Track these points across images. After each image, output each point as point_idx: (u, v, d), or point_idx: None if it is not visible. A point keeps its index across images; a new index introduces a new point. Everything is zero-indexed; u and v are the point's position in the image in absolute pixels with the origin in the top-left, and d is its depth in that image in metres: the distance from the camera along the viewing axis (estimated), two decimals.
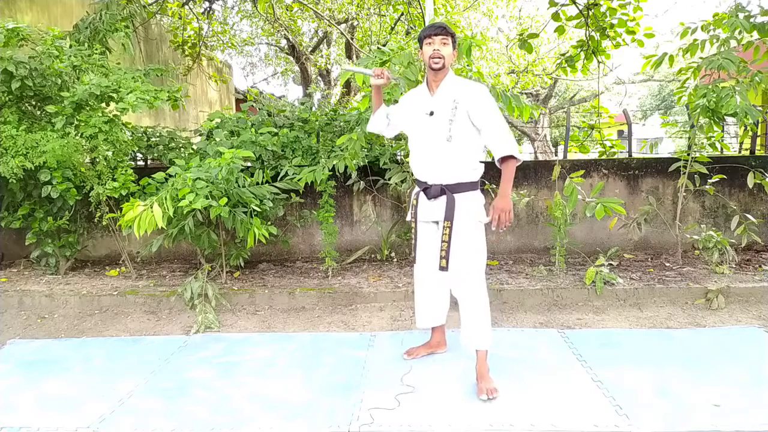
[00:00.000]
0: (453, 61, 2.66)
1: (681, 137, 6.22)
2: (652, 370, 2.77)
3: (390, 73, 2.77)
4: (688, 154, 4.52)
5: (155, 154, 4.84)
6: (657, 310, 3.75)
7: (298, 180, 4.17)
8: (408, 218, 2.89)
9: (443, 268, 2.63)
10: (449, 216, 2.59)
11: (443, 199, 2.62)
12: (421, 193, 2.72)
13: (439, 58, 2.54)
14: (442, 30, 2.56)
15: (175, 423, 2.40)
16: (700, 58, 4.27)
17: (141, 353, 3.22)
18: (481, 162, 2.69)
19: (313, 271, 4.67)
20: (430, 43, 2.56)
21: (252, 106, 5.16)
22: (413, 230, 2.84)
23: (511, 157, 2.51)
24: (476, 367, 2.66)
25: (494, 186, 4.92)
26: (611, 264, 4.51)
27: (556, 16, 5.07)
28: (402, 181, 4.47)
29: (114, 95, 4.06)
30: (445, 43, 2.55)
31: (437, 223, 2.70)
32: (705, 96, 4.03)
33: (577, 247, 4.64)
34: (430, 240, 2.75)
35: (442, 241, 2.61)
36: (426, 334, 3.13)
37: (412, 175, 4.36)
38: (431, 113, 2.61)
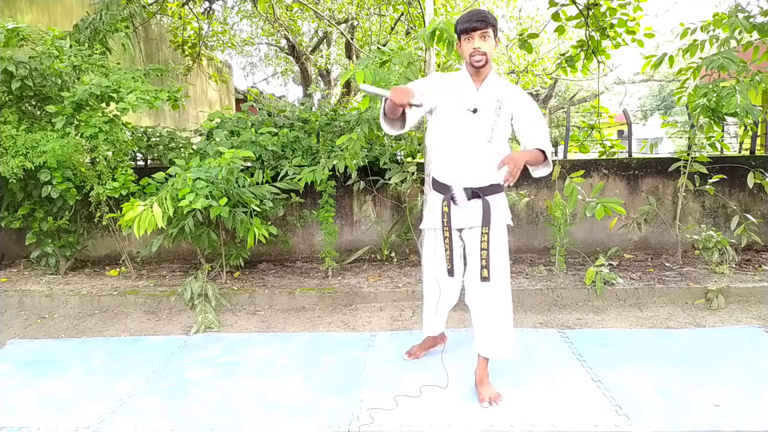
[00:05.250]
0: (495, 53, 2.43)
1: (681, 137, 6.22)
2: (652, 370, 2.77)
3: (414, 98, 2.18)
4: (688, 154, 4.52)
5: (155, 154, 4.84)
6: (657, 310, 3.75)
7: (298, 180, 4.17)
8: (429, 225, 2.60)
9: (485, 279, 2.42)
10: (487, 221, 2.39)
11: (474, 203, 2.43)
12: (444, 198, 2.47)
13: (481, 55, 2.28)
14: (481, 23, 2.26)
15: (175, 423, 2.40)
16: (700, 58, 4.27)
17: (141, 353, 3.22)
18: None
19: (313, 271, 4.67)
20: (468, 40, 2.30)
21: (252, 106, 5.16)
22: (436, 239, 2.57)
23: (545, 156, 2.36)
24: (476, 371, 2.59)
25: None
26: (611, 264, 4.51)
27: (556, 16, 5.07)
28: (402, 181, 4.47)
29: (114, 95, 4.06)
30: (485, 37, 2.28)
31: (458, 230, 2.53)
32: (705, 96, 4.03)
33: (577, 247, 4.64)
34: (455, 248, 2.53)
35: (482, 249, 2.40)
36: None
37: (413, 174, 4.41)
38: (475, 111, 2.36)
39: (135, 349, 3.29)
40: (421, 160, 4.58)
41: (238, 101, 12.51)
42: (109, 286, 4.36)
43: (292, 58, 13.34)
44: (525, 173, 5.00)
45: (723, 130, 5.03)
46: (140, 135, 4.75)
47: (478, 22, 2.26)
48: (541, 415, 2.37)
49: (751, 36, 4.22)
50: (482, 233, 2.40)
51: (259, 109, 5.06)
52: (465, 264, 2.58)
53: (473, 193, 2.42)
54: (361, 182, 4.68)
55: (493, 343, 2.52)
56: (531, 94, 13.30)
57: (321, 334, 3.47)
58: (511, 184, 2.15)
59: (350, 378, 2.79)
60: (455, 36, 2.43)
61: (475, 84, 2.40)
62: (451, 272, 2.54)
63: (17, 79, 3.95)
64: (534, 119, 2.41)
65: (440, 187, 2.52)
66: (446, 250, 2.50)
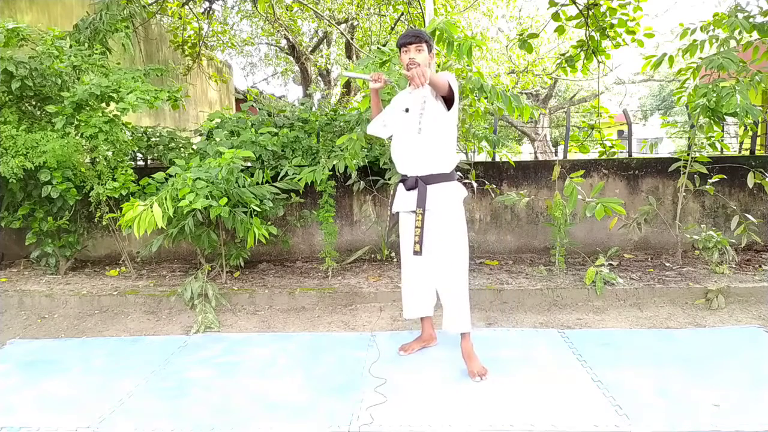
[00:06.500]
0: (429, 63, 2.77)
1: (681, 137, 6.22)
2: (652, 370, 2.77)
3: (386, 76, 2.90)
4: (688, 154, 4.52)
5: (155, 154, 4.84)
6: (657, 310, 3.75)
7: (298, 180, 4.17)
8: (393, 210, 3.01)
9: (417, 253, 2.78)
10: (421, 204, 2.75)
11: (414, 191, 2.79)
12: (400, 185, 2.88)
13: (414, 65, 2.66)
14: (416, 38, 2.70)
15: (175, 423, 2.40)
16: (700, 58, 4.27)
17: (141, 353, 3.22)
18: (458, 153, 2.90)
19: (313, 271, 4.67)
20: (406, 51, 2.72)
21: (252, 106, 5.15)
22: (398, 221, 3.00)
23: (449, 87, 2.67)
24: (461, 346, 2.82)
25: (494, 186, 4.92)
26: (611, 264, 4.51)
27: (556, 16, 5.07)
28: None
29: (114, 95, 4.06)
30: (419, 50, 2.71)
31: (411, 212, 2.84)
32: (705, 95, 4.03)
33: (577, 247, 4.63)
34: (411, 229, 2.86)
35: (416, 227, 2.77)
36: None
37: None
38: (407, 110, 2.81)
39: (135, 349, 3.29)
40: None
41: (238, 101, 12.51)
42: (109, 286, 4.37)
43: (292, 58, 13.34)
44: (525, 174, 5.03)
45: (723, 130, 5.03)
46: (140, 135, 4.75)
47: (413, 37, 2.71)
48: (541, 415, 2.37)
49: (750, 36, 4.22)
50: (416, 214, 2.76)
51: (259, 109, 5.05)
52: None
53: (416, 180, 2.78)
54: (361, 182, 4.68)
55: (446, 317, 2.83)
56: (531, 94, 13.31)
57: (321, 334, 3.47)
58: (417, 83, 2.35)
59: (350, 378, 2.79)
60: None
61: (410, 90, 2.82)
62: (403, 250, 2.98)
63: (17, 79, 3.95)
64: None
65: (401, 176, 2.93)
66: (398, 230, 2.96)
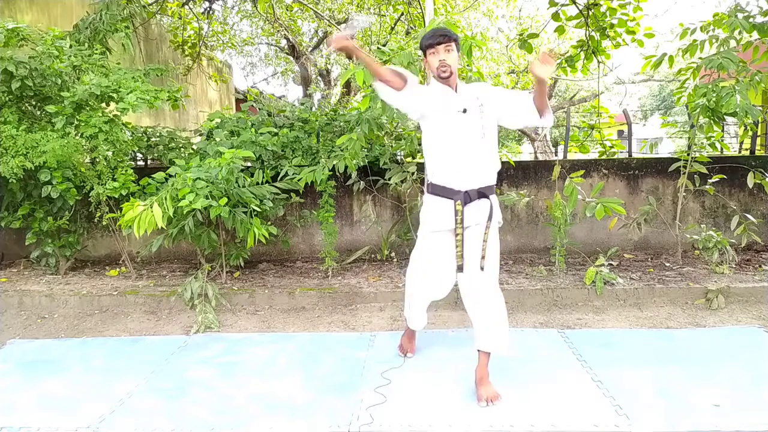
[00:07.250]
0: (459, 64, 2.55)
1: (681, 137, 6.23)
2: (652, 370, 2.77)
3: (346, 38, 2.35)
4: (688, 154, 4.52)
5: (155, 154, 4.84)
6: (657, 310, 3.75)
7: (298, 180, 4.17)
8: (436, 228, 2.61)
9: (482, 268, 2.53)
10: (491, 217, 2.52)
11: (483, 202, 2.53)
12: (440, 199, 2.54)
13: (446, 67, 2.46)
14: (444, 38, 2.45)
15: (175, 423, 2.40)
16: (700, 58, 4.27)
17: (141, 353, 3.22)
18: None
19: (313, 271, 4.67)
20: (433, 53, 2.47)
21: (252, 106, 5.16)
22: (441, 240, 2.63)
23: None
24: (476, 370, 2.58)
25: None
26: (611, 264, 4.51)
27: (556, 16, 5.07)
28: (402, 181, 4.47)
29: (114, 95, 4.06)
30: (449, 50, 2.46)
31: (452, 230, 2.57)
32: (705, 95, 4.03)
33: (577, 247, 4.63)
34: (445, 246, 2.60)
35: (483, 242, 2.51)
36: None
37: (413, 174, 4.41)
38: (464, 110, 2.48)
39: (135, 349, 3.29)
40: (421, 160, 4.57)
41: (238, 101, 12.51)
42: (109, 286, 4.36)
43: (292, 58, 13.33)
44: (525, 174, 5.03)
45: (723, 130, 5.03)
46: (140, 135, 4.75)
47: (441, 37, 2.45)
48: (541, 415, 2.37)
49: (750, 36, 4.22)
50: (486, 227, 2.52)
51: (259, 109, 5.06)
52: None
53: (479, 193, 2.51)
54: (361, 182, 4.67)
55: (493, 337, 2.55)
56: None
57: (321, 334, 3.47)
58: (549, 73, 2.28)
59: (350, 378, 2.79)
60: (421, 52, 2.57)
61: (452, 88, 2.54)
62: (461, 268, 2.57)
63: (17, 79, 3.95)
64: (509, 92, 2.63)
65: (445, 191, 2.53)
66: (458, 248, 2.54)
